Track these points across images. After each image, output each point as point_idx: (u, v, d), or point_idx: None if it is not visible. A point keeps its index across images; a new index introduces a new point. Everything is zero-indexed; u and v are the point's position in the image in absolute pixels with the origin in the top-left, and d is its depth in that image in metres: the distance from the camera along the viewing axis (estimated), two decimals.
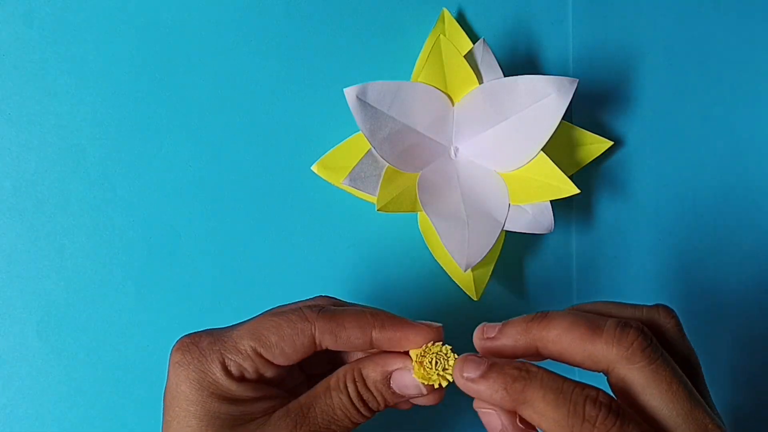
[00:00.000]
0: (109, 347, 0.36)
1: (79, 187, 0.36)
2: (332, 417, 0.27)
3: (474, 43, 0.37)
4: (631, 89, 0.42)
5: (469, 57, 0.36)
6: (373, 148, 0.35)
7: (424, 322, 0.28)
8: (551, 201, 0.36)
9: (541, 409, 0.24)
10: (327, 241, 0.38)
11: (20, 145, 0.35)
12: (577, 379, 0.25)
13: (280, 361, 0.27)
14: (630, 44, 0.42)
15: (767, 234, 0.44)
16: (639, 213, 0.42)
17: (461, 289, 0.38)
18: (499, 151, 0.37)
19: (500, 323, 0.27)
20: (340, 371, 0.28)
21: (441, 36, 0.35)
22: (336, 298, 0.30)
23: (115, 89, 0.36)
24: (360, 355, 0.30)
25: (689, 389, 0.25)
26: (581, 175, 0.40)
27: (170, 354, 0.27)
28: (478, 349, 0.27)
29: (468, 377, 0.25)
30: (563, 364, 0.27)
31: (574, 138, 0.39)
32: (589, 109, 0.41)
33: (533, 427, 0.26)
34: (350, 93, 0.34)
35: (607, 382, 0.26)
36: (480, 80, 0.36)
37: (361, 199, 0.38)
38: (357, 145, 0.37)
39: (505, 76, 0.36)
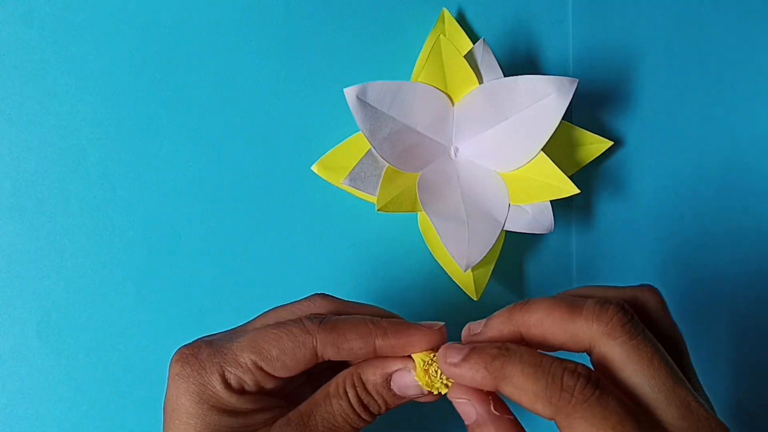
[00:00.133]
0: (109, 347, 0.36)
1: (79, 187, 0.36)
2: (333, 424, 0.27)
3: (474, 43, 0.37)
4: (631, 89, 0.42)
5: (469, 57, 0.36)
6: (373, 148, 0.35)
7: (425, 323, 0.28)
8: (551, 201, 0.36)
9: (520, 383, 0.24)
10: (327, 241, 0.38)
11: (20, 145, 0.35)
12: None
13: (281, 373, 0.27)
14: (630, 44, 0.42)
15: (767, 234, 0.44)
16: (639, 213, 0.42)
17: (461, 289, 0.38)
18: (499, 151, 0.37)
19: (485, 319, 0.27)
20: (339, 377, 0.28)
21: (441, 36, 0.35)
22: (333, 296, 0.30)
23: (115, 89, 0.36)
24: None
25: (671, 366, 0.24)
26: (581, 175, 0.40)
27: (170, 365, 0.27)
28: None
29: (451, 362, 0.25)
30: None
31: (574, 138, 0.39)
32: (589, 109, 0.41)
33: (509, 412, 0.26)
34: (350, 93, 0.34)
35: (590, 363, 0.26)
36: (480, 80, 0.36)
37: (361, 199, 0.38)
38: (357, 145, 0.37)
39: (505, 76, 0.36)
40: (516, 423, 0.26)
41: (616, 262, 0.42)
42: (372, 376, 0.27)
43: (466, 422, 0.26)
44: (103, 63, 0.36)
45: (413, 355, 0.27)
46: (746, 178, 0.43)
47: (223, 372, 0.26)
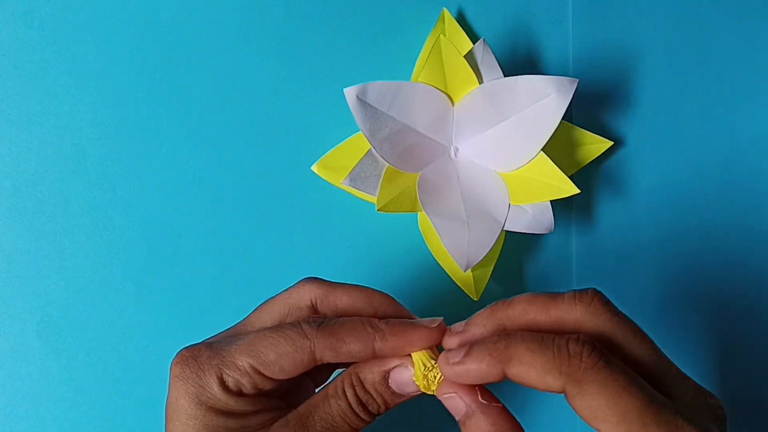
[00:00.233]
0: (109, 347, 0.36)
1: (79, 187, 0.36)
2: (332, 424, 0.27)
3: (474, 43, 0.37)
4: (631, 89, 0.42)
5: (469, 57, 0.36)
6: (373, 148, 0.35)
7: (423, 320, 0.28)
8: (551, 201, 0.36)
9: (527, 359, 0.24)
10: (327, 241, 0.38)
11: (20, 145, 0.35)
12: None
13: (279, 377, 0.27)
14: (630, 44, 0.42)
15: (766, 233, 0.44)
16: (639, 213, 0.42)
17: (461, 289, 0.38)
18: (499, 151, 0.37)
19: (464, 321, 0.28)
20: (338, 378, 0.28)
21: (441, 36, 0.35)
22: (321, 279, 0.29)
23: (115, 89, 0.36)
24: None
25: (654, 342, 0.26)
26: (581, 175, 0.40)
27: (170, 366, 0.27)
28: (449, 347, 0.27)
29: (454, 362, 0.25)
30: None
31: (574, 138, 0.39)
32: (589, 109, 0.41)
33: (496, 400, 0.26)
34: (350, 93, 0.34)
35: None
36: (480, 80, 0.36)
37: (361, 199, 0.38)
38: (357, 145, 0.37)
39: (505, 76, 0.36)
40: (504, 410, 0.26)
41: (616, 262, 0.42)
42: (370, 374, 0.27)
43: (457, 417, 0.26)
44: (103, 63, 0.36)
45: (412, 354, 0.27)
46: (746, 177, 0.43)
47: (221, 374, 0.26)
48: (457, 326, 0.27)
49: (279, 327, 0.27)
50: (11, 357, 0.35)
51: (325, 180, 0.37)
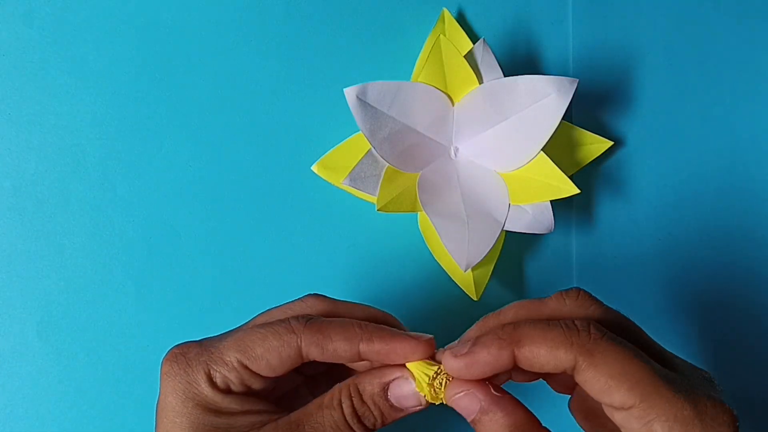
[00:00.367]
0: (109, 347, 0.36)
1: (79, 187, 0.36)
2: None
3: (474, 43, 0.37)
4: (631, 89, 0.42)
5: (469, 57, 0.36)
6: (373, 148, 0.35)
7: (414, 334, 0.27)
8: (551, 201, 0.36)
9: (537, 337, 0.24)
10: (327, 241, 0.38)
11: (20, 145, 0.35)
12: None
13: (266, 372, 0.26)
14: (630, 44, 0.42)
15: (766, 233, 0.44)
16: (639, 213, 0.42)
17: (461, 289, 0.38)
18: (499, 151, 0.37)
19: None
20: (335, 388, 0.27)
21: (441, 36, 0.35)
22: (326, 297, 0.29)
23: (115, 89, 0.36)
24: (362, 368, 0.29)
25: (642, 329, 0.27)
26: (581, 175, 0.40)
27: (161, 364, 0.27)
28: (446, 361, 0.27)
29: (462, 353, 0.25)
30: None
31: (574, 138, 0.39)
32: (589, 109, 0.41)
33: (507, 393, 0.26)
34: (350, 93, 0.34)
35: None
36: (480, 80, 0.36)
37: (361, 199, 0.38)
38: (357, 145, 0.37)
39: (505, 76, 0.36)
40: (518, 401, 0.26)
41: (616, 262, 0.42)
42: (369, 385, 0.27)
43: (470, 416, 0.26)
44: (103, 63, 0.36)
45: (410, 367, 0.27)
46: (746, 178, 0.43)
47: (209, 370, 0.26)
48: (452, 345, 0.27)
49: (269, 323, 0.27)
50: (11, 357, 0.35)
51: (325, 180, 0.37)
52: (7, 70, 0.35)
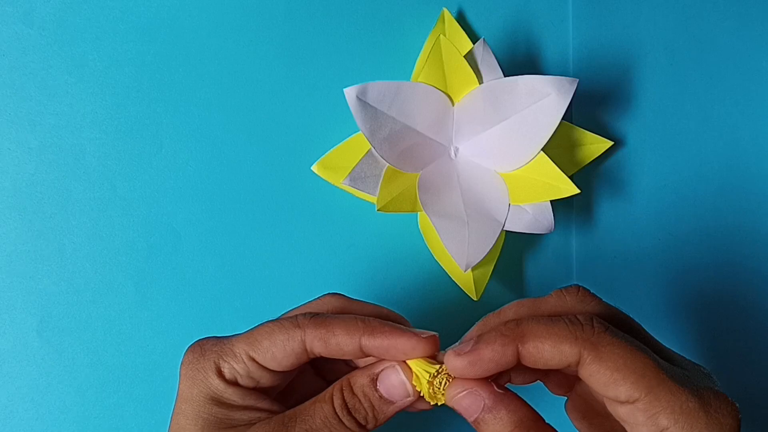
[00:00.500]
0: (109, 347, 0.36)
1: (79, 187, 0.36)
2: (311, 427, 0.26)
3: (474, 43, 0.37)
4: (632, 89, 0.42)
5: (469, 57, 0.36)
6: (373, 148, 0.35)
7: (417, 330, 0.27)
8: (551, 201, 0.36)
9: (541, 332, 0.24)
10: (327, 241, 0.38)
11: (20, 145, 0.35)
12: None
13: (272, 365, 0.27)
14: (630, 44, 0.42)
15: (766, 233, 0.44)
16: (639, 213, 0.42)
17: (461, 289, 0.38)
18: (499, 151, 0.37)
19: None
20: (332, 385, 0.27)
21: (441, 36, 0.35)
22: (344, 295, 0.30)
23: (115, 89, 0.36)
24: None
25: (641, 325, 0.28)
26: (581, 175, 0.40)
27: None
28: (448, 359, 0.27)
29: (465, 351, 0.25)
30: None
31: (574, 138, 0.39)
32: (589, 109, 0.41)
33: (510, 391, 0.26)
34: (350, 93, 0.34)
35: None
36: (480, 80, 0.36)
37: (361, 199, 0.38)
38: (357, 145, 0.37)
39: (505, 76, 0.36)
40: (520, 398, 0.26)
41: (616, 262, 0.42)
42: (359, 378, 0.27)
43: (472, 416, 0.26)
44: (103, 63, 0.36)
45: (410, 364, 0.27)
46: (746, 177, 0.43)
47: (218, 361, 0.27)
48: (452, 346, 0.27)
49: (278, 319, 0.28)
50: (11, 357, 0.35)
51: (325, 180, 0.37)
52: (7, 70, 0.35)
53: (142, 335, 0.36)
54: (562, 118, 0.35)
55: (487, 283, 0.38)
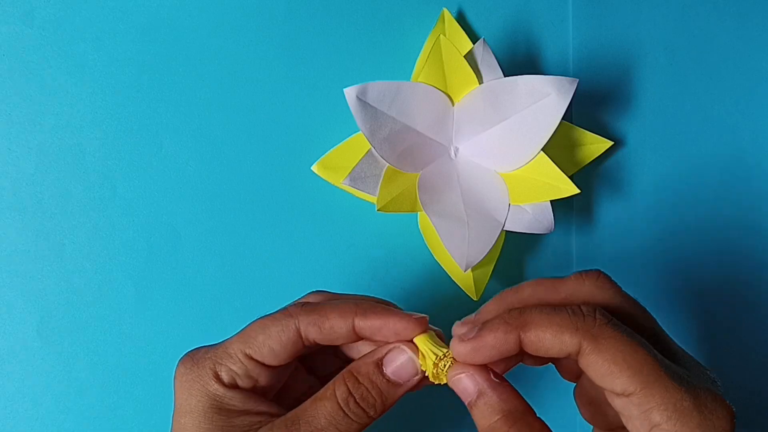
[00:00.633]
0: (109, 347, 0.36)
1: (79, 187, 0.36)
2: (316, 428, 0.26)
3: (474, 43, 0.37)
4: (632, 89, 0.42)
5: (469, 57, 0.36)
6: (373, 148, 0.35)
7: (408, 312, 0.28)
8: (551, 201, 0.36)
9: (543, 321, 0.25)
10: (327, 241, 0.38)
11: (20, 145, 0.35)
12: None
13: (270, 360, 0.27)
14: (630, 44, 0.42)
15: (766, 233, 0.44)
16: (639, 213, 0.42)
17: (461, 289, 0.38)
18: (499, 151, 0.37)
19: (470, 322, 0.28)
20: (331, 381, 0.27)
21: (441, 36, 0.35)
22: (330, 292, 0.30)
23: (115, 89, 0.36)
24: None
25: (654, 318, 0.28)
26: (581, 175, 0.40)
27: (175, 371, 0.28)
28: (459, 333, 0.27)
29: (469, 337, 0.25)
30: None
31: (574, 138, 0.39)
32: (589, 109, 0.41)
33: (506, 381, 0.26)
34: (350, 93, 0.34)
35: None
36: (480, 80, 0.36)
37: (361, 199, 0.38)
38: (357, 145, 0.37)
39: (505, 76, 0.36)
40: (515, 390, 0.26)
41: (616, 262, 0.42)
42: (364, 366, 0.27)
43: (467, 399, 0.26)
44: (103, 63, 0.36)
45: (417, 342, 0.27)
46: (746, 177, 0.43)
47: (215, 366, 0.27)
48: (468, 317, 0.27)
49: (269, 314, 0.28)
50: (11, 357, 0.35)
51: (325, 180, 0.37)
52: (7, 70, 0.35)
53: (142, 335, 0.36)
54: (562, 118, 0.35)
55: (487, 283, 0.38)
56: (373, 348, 0.28)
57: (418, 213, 0.38)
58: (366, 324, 0.27)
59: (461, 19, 0.39)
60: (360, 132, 0.35)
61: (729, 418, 0.23)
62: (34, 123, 0.35)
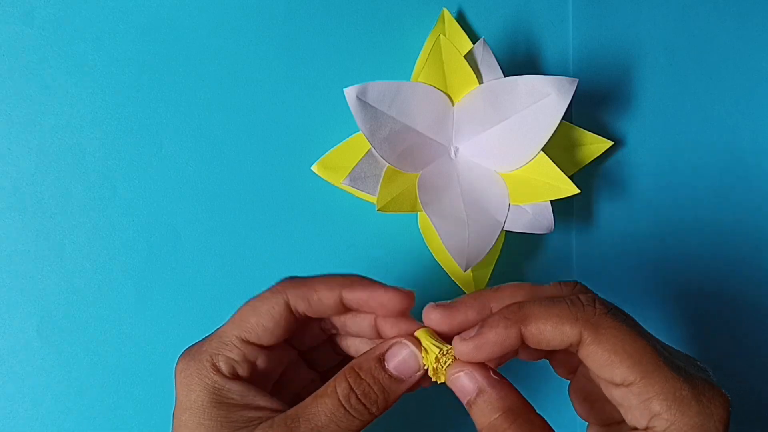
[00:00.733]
0: (109, 347, 0.36)
1: (79, 187, 0.36)
2: (316, 425, 0.25)
3: (474, 43, 0.37)
4: (632, 89, 0.42)
5: (469, 57, 0.36)
6: (373, 148, 0.35)
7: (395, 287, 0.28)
8: (551, 201, 0.36)
9: (543, 313, 0.25)
10: (327, 241, 0.38)
11: (20, 145, 0.35)
12: None
13: (266, 340, 0.27)
14: (630, 44, 0.42)
15: (766, 234, 0.44)
16: (639, 213, 0.42)
17: (461, 289, 0.38)
18: (499, 151, 0.37)
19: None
20: (333, 377, 0.27)
21: (441, 36, 0.35)
22: (299, 277, 0.29)
23: (115, 89, 0.36)
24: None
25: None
26: (581, 175, 0.40)
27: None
28: (432, 318, 0.27)
29: (468, 336, 0.26)
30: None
31: (574, 138, 0.39)
32: (589, 109, 0.41)
33: (505, 379, 0.26)
34: (350, 93, 0.34)
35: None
36: (480, 80, 0.36)
37: (361, 199, 0.38)
38: (357, 145, 0.37)
39: (505, 76, 0.36)
40: (513, 387, 0.26)
41: (616, 262, 0.42)
42: (366, 362, 0.27)
43: (465, 398, 0.26)
44: (103, 62, 0.36)
45: (418, 335, 0.27)
46: (746, 177, 0.43)
47: (212, 358, 0.27)
48: (442, 302, 0.28)
49: (258, 295, 0.28)
50: (11, 357, 0.35)
51: (325, 180, 0.37)
52: (7, 70, 0.35)
53: (142, 335, 0.36)
54: (562, 118, 0.35)
55: (487, 283, 0.38)
56: (372, 346, 0.28)
57: (418, 213, 0.38)
58: (353, 296, 0.27)
59: (461, 19, 0.39)
60: (360, 132, 0.35)
61: (725, 406, 0.24)
62: (34, 123, 0.35)
